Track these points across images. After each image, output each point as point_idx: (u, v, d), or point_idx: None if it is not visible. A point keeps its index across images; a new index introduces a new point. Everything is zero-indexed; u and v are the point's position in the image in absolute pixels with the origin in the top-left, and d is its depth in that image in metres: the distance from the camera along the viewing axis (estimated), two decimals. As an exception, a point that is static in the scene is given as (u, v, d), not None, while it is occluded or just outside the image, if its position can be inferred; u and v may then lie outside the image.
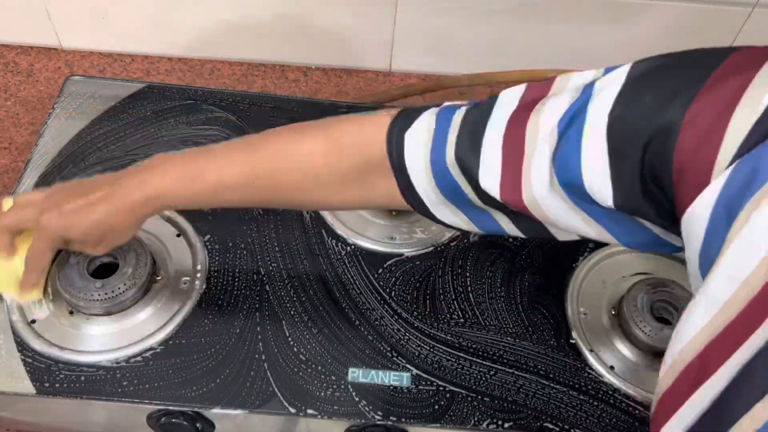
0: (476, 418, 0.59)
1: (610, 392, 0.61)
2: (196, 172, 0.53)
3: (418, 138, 0.49)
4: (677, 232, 0.39)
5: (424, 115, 0.50)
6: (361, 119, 0.53)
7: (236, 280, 0.65)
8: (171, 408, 0.58)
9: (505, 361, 0.62)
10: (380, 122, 0.51)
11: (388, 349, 0.62)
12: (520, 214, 0.49)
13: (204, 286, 0.64)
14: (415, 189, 0.51)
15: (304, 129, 0.54)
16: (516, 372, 0.62)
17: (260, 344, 0.61)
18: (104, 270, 0.63)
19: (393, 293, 0.66)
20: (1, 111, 0.87)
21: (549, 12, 0.89)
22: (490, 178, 0.46)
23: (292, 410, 0.58)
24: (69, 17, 0.91)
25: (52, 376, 0.58)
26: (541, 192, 0.45)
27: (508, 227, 0.52)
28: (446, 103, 0.51)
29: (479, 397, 0.60)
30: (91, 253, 0.58)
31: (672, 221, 0.40)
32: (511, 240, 0.71)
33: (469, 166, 0.47)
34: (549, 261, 0.69)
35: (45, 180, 0.70)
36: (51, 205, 0.54)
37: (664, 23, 0.90)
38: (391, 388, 0.60)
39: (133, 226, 0.56)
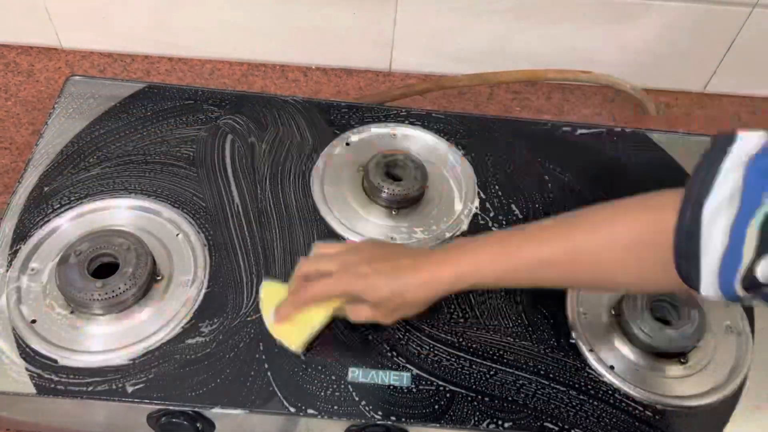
0: (476, 418, 0.59)
1: (610, 392, 0.61)
2: (512, 248, 0.53)
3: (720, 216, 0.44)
4: None
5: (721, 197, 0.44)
6: (665, 193, 0.49)
7: (237, 279, 0.65)
8: (171, 408, 0.58)
9: (505, 360, 0.62)
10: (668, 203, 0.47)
11: (388, 349, 0.62)
12: None
13: (205, 286, 0.64)
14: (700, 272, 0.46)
15: (626, 206, 0.52)
16: (516, 372, 0.62)
17: (261, 344, 0.61)
18: (104, 270, 0.63)
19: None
20: (1, 111, 0.87)
21: (549, 12, 0.89)
22: None
23: (292, 410, 0.58)
24: (69, 17, 0.91)
25: (53, 376, 0.58)
26: None
27: None
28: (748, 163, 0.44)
29: (479, 396, 0.60)
30: (382, 322, 0.58)
31: None
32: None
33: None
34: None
35: (46, 179, 0.70)
36: (352, 262, 0.56)
37: (664, 23, 0.90)
38: (391, 387, 0.60)
39: (426, 303, 0.56)
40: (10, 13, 0.90)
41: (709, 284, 0.45)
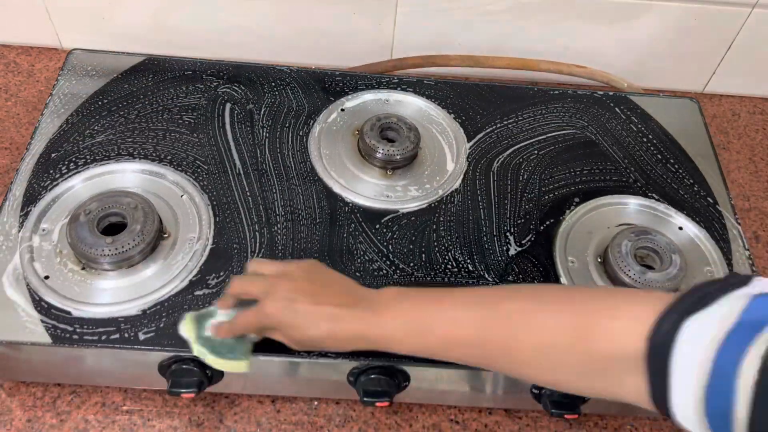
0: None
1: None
2: (426, 324, 0.52)
3: (690, 360, 0.38)
4: None
5: (710, 319, 0.38)
6: (616, 299, 0.46)
7: (241, 235, 0.68)
8: (182, 355, 0.60)
9: (498, 306, 0.65)
10: (642, 312, 0.42)
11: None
12: None
13: (210, 242, 0.67)
14: (670, 401, 0.40)
15: (547, 298, 0.50)
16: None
17: (265, 294, 0.64)
18: (113, 230, 0.65)
19: (390, 246, 0.69)
20: (1, 111, 0.88)
21: (549, 12, 0.90)
22: None
23: (296, 354, 0.61)
24: (69, 17, 0.91)
25: (67, 327, 0.60)
26: None
27: None
28: (753, 296, 0.38)
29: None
30: (289, 345, 0.57)
31: None
32: (500, 197, 0.74)
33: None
34: (537, 214, 0.73)
35: (53, 146, 0.72)
36: (280, 291, 0.55)
37: (664, 23, 0.91)
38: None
39: (343, 349, 0.55)
40: (10, 13, 0.91)
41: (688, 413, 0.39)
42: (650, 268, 0.67)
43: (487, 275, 0.67)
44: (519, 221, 0.72)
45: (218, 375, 0.63)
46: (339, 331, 0.54)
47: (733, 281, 0.41)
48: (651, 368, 0.41)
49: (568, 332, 0.46)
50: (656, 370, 0.40)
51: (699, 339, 0.38)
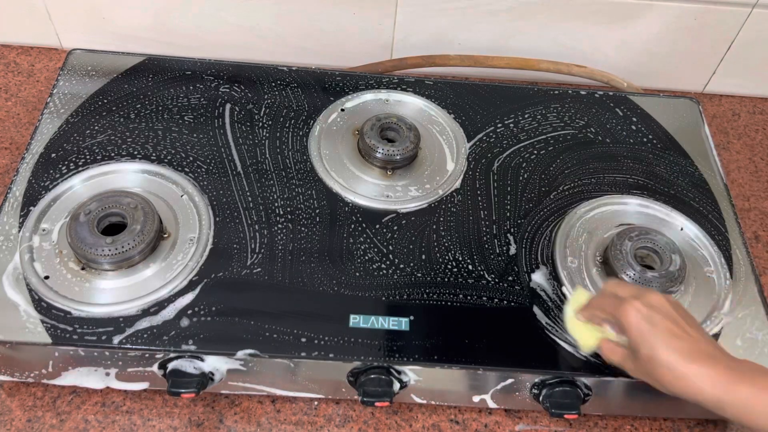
0: (471, 357, 0.62)
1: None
2: None
3: None
4: None
5: None
6: None
7: (240, 235, 0.68)
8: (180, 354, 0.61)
9: (499, 305, 0.65)
10: None
11: (387, 296, 0.65)
12: None
13: (210, 242, 0.67)
14: None
15: None
16: (506, 315, 0.65)
17: (263, 294, 0.64)
18: (113, 230, 0.65)
19: (390, 246, 0.69)
20: (1, 111, 0.87)
21: (549, 12, 0.90)
22: None
23: (296, 354, 0.61)
24: (69, 17, 0.91)
25: (66, 327, 0.60)
26: None
27: None
28: None
29: (474, 336, 0.63)
30: (628, 371, 0.56)
31: None
32: (500, 197, 0.74)
33: None
34: (537, 214, 0.73)
35: (53, 147, 0.72)
36: (658, 307, 0.54)
37: (664, 23, 0.91)
38: (391, 332, 0.63)
39: (676, 395, 0.53)
40: (10, 13, 0.91)
41: None
42: (650, 268, 0.67)
43: (487, 275, 0.67)
44: (519, 221, 0.72)
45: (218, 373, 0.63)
46: (695, 373, 0.50)
47: None
48: None
49: None
50: None
51: None
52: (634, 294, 0.56)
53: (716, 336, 0.66)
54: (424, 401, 0.66)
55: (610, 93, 0.86)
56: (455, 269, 0.68)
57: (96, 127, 0.75)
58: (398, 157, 0.74)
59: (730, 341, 0.65)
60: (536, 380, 0.62)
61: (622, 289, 0.58)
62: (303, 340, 0.61)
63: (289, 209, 0.70)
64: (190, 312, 0.62)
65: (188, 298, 0.63)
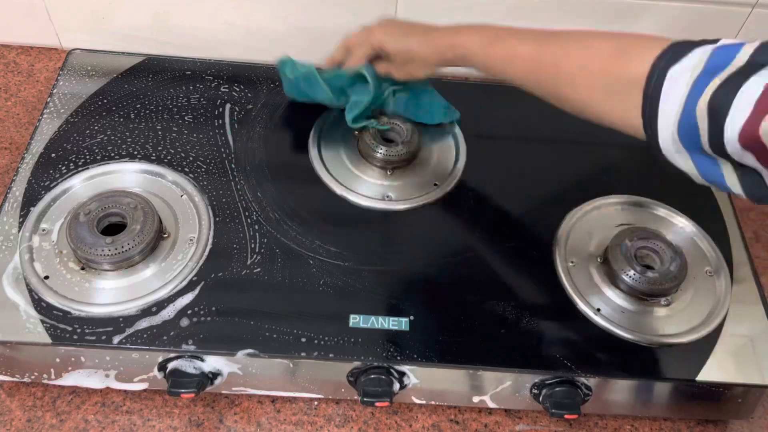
0: (471, 357, 0.62)
1: (596, 332, 0.65)
2: (497, 38, 0.64)
3: (681, 79, 0.49)
4: None
5: (696, 52, 0.49)
6: (647, 36, 0.54)
7: (240, 235, 0.68)
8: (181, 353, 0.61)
9: (498, 305, 0.65)
10: (657, 45, 0.52)
11: (387, 296, 0.65)
12: (745, 168, 0.49)
13: (210, 242, 0.67)
14: (657, 123, 0.51)
15: (595, 31, 0.59)
16: (506, 315, 0.65)
17: (263, 294, 0.64)
18: (112, 230, 0.65)
19: (390, 246, 0.69)
20: (1, 111, 0.87)
21: (549, 12, 0.90)
22: (737, 123, 0.45)
23: (296, 354, 0.61)
24: (69, 17, 0.91)
25: (66, 327, 0.60)
26: None
27: (730, 180, 0.51)
28: (723, 42, 0.50)
29: (473, 336, 0.63)
30: (394, 74, 0.72)
31: None
32: (500, 197, 0.74)
33: (720, 112, 0.46)
34: (537, 215, 0.73)
35: (53, 147, 0.72)
36: (381, 24, 0.72)
37: (664, 23, 0.90)
38: (391, 332, 0.63)
39: (431, 64, 0.69)
40: (10, 13, 0.90)
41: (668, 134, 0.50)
42: (650, 268, 0.67)
43: (487, 276, 0.67)
44: (519, 221, 0.72)
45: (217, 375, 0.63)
46: (430, 40, 0.68)
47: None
48: (646, 95, 0.51)
49: (611, 52, 0.55)
50: (650, 97, 0.51)
51: (680, 79, 0.49)
52: (368, 27, 0.72)
53: (716, 335, 0.66)
54: (424, 401, 0.66)
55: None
56: (455, 269, 0.68)
57: (96, 127, 0.75)
58: (398, 158, 0.74)
59: (729, 341, 0.65)
60: (536, 380, 0.62)
61: (356, 33, 0.74)
62: (303, 340, 0.61)
63: (289, 209, 0.70)
64: (189, 312, 0.62)
65: (188, 298, 0.63)
